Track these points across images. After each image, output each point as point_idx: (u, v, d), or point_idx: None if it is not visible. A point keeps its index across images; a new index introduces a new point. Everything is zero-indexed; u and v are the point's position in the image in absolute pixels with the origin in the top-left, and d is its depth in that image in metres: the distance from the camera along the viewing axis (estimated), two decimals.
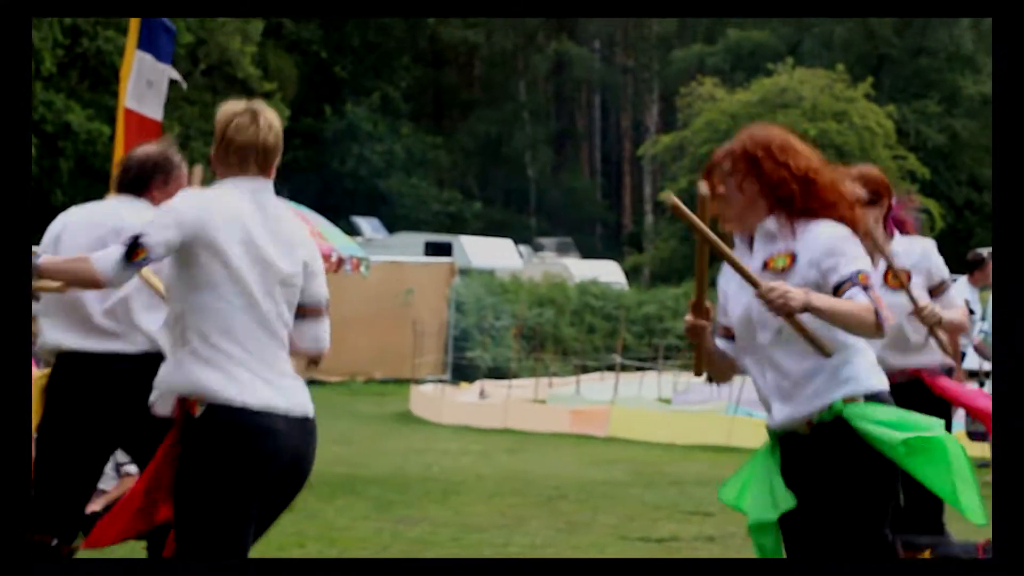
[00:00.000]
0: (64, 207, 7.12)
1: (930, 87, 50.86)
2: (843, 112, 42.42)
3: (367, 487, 13.21)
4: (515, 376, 24.64)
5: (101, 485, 9.99)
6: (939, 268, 6.88)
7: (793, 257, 5.09)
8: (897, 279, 6.59)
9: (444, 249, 36.16)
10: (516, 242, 41.88)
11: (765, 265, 5.13)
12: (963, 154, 49.28)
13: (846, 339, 5.10)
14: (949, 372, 6.92)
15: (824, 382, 5.09)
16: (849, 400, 5.08)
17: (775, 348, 5.14)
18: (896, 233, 6.81)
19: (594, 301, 32.41)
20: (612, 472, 15.16)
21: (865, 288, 4.96)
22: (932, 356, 6.85)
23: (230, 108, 5.34)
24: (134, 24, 10.91)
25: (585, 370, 27.15)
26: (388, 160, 51.36)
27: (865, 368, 5.16)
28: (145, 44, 10.70)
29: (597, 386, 24.74)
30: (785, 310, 4.89)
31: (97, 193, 9.80)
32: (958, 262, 13.95)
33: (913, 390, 6.70)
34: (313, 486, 13.16)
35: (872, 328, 5.00)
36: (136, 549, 6.88)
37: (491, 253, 38.49)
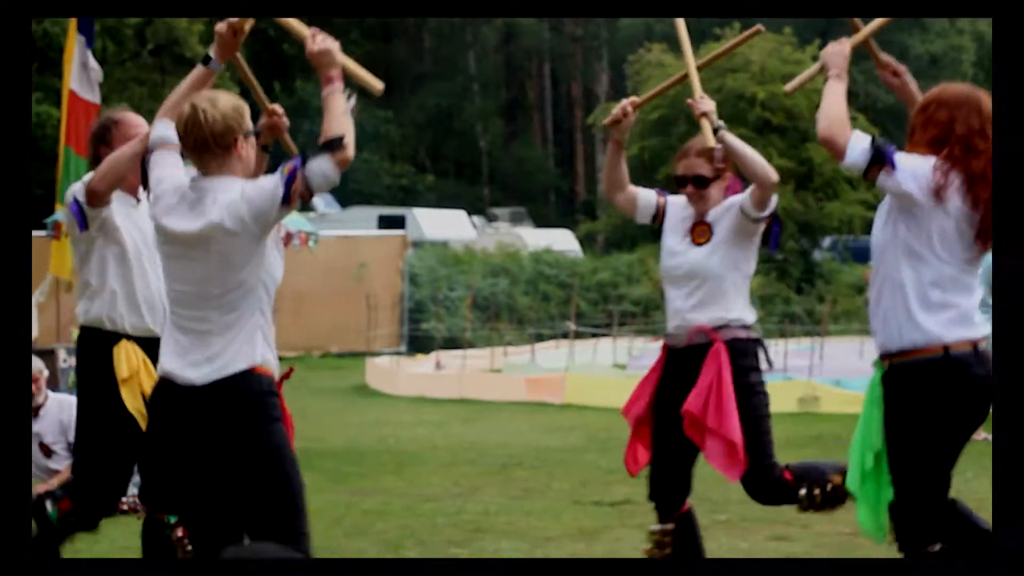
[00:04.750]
0: None
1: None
2: (792, 75, 42.02)
3: (322, 460, 13.28)
4: (470, 346, 24.72)
5: (54, 465, 10.06)
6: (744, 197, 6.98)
7: None
8: (704, 235, 6.93)
9: (397, 222, 36.17)
10: (469, 213, 41.91)
11: None
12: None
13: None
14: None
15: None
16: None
17: None
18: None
19: (548, 269, 32.53)
20: (567, 439, 15.29)
21: None
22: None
23: None
24: None
25: (540, 338, 27.29)
26: None
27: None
28: (82, 26, 10.69)
29: (552, 354, 24.88)
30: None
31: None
32: None
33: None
34: None
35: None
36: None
37: (444, 225, 38.53)
